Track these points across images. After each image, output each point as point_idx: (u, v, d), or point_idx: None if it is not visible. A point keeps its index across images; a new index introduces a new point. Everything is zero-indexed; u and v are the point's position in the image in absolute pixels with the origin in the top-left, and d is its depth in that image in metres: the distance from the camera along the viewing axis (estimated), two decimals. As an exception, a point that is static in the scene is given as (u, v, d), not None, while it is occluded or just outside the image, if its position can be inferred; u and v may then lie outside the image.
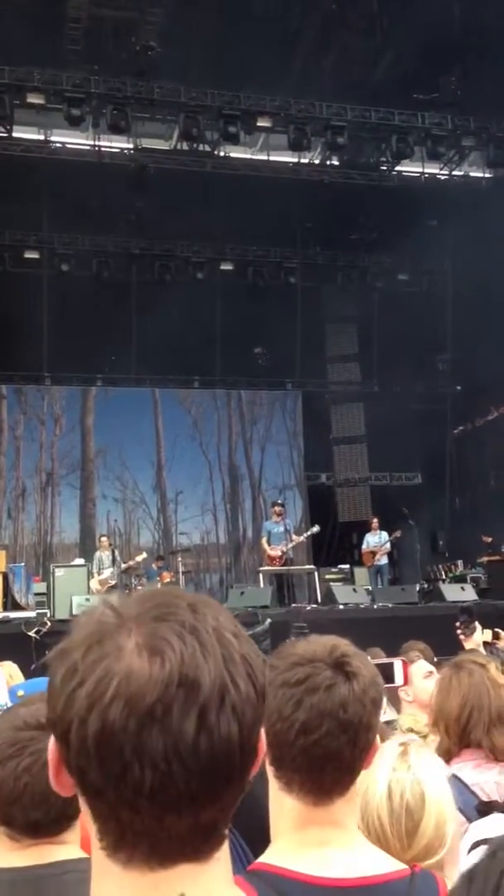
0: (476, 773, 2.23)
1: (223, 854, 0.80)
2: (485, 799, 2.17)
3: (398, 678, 2.04)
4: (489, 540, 14.66)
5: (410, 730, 3.15)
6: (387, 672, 2.06)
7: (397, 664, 2.07)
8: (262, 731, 0.81)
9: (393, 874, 1.27)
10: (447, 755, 2.34)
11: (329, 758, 1.29)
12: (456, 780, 2.26)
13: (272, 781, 1.33)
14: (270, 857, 1.30)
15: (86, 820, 0.79)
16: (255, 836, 1.43)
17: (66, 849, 1.56)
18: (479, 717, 2.29)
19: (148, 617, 0.77)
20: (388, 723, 3.64)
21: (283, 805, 1.31)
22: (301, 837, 1.29)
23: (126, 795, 0.73)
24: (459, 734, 2.31)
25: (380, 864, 1.29)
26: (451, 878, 1.49)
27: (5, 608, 10.18)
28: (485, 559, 14.22)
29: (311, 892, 1.22)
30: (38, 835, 1.54)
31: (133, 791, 0.73)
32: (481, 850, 0.62)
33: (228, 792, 0.77)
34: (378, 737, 1.38)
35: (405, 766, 1.57)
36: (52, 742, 0.78)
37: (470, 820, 2.09)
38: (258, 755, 0.80)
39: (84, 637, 0.77)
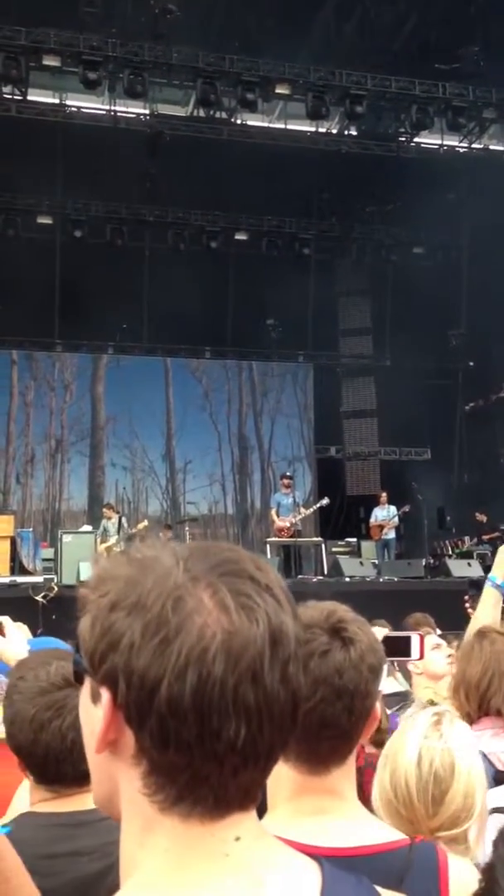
0: (493, 742, 2.25)
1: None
2: (500, 768, 2.18)
3: (415, 652, 2.05)
4: (483, 518, 14.70)
5: (431, 702, 3.18)
6: (403, 646, 2.07)
7: (414, 638, 2.08)
8: None
9: (391, 844, 1.26)
10: (467, 720, 2.37)
11: (324, 725, 1.26)
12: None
13: None
14: (266, 825, 1.28)
15: (123, 776, 0.79)
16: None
17: None
18: (499, 684, 2.32)
19: (218, 572, 0.78)
20: (398, 694, 3.67)
21: (279, 774, 1.28)
22: (297, 806, 1.27)
23: (217, 749, 0.74)
24: (479, 701, 2.33)
25: (378, 833, 1.28)
26: (476, 848, 1.50)
27: (13, 572, 10.26)
28: (485, 538, 14.28)
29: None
30: (84, 783, 1.59)
31: (226, 745, 0.74)
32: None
33: (287, 741, 0.80)
34: (378, 705, 1.36)
35: (437, 734, 1.57)
36: (107, 699, 0.77)
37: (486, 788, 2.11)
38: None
39: (159, 592, 0.76)
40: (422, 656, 2.25)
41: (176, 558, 0.79)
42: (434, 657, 3.49)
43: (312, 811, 1.27)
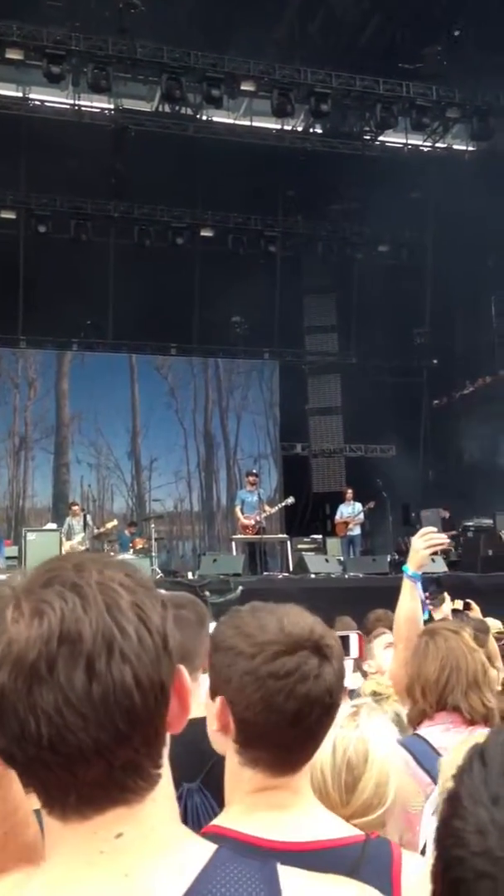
0: (444, 736, 2.28)
1: (160, 794, 0.83)
2: None
3: (353, 651, 2.08)
4: (446, 515, 14.84)
5: (374, 692, 3.20)
6: (343, 645, 2.11)
7: (353, 637, 2.11)
8: (180, 668, 0.85)
9: (345, 839, 1.26)
10: (421, 717, 2.39)
11: (312, 739, 1.29)
12: (423, 741, 2.30)
13: (232, 756, 1.30)
14: (222, 819, 1.29)
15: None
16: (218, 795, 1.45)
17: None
18: (457, 679, 2.35)
19: (36, 585, 0.80)
20: (352, 691, 3.70)
21: (241, 776, 1.30)
22: (255, 801, 1.28)
23: (30, 752, 0.77)
24: (437, 697, 2.36)
25: (333, 829, 1.28)
26: (392, 837, 1.51)
27: (-24, 571, 10.14)
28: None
29: (259, 856, 1.18)
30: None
31: (35, 746, 0.77)
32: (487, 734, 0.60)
33: (139, 733, 0.79)
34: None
35: (353, 724, 1.60)
36: None
37: (435, 782, 2.14)
38: (168, 692, 0.82)
39: None
40: (361, 655, 2.28)
41: (12, 582, 0.83)
42: (386, 656, 3.54)
43: (268, 806, 1.27)
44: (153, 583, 0.86)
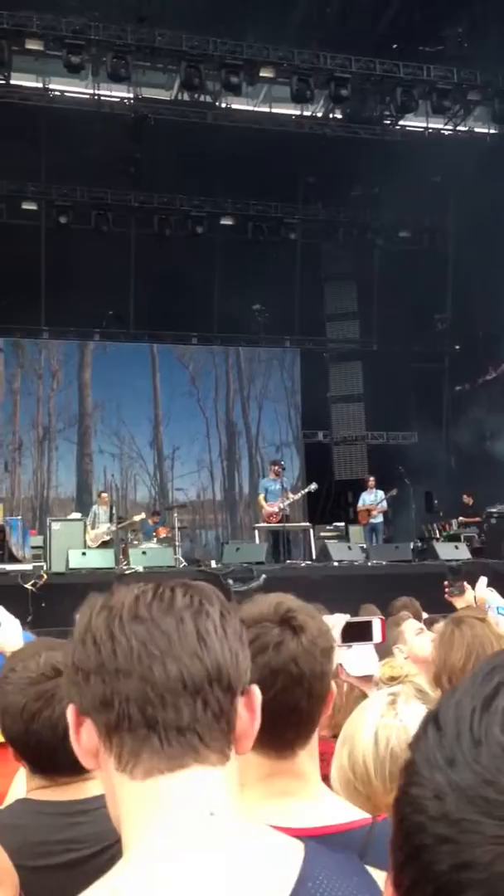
0: None
1: (230, 771, 0.91)
2: None
3: (377, 636, 2.09)
4: (470, 501, 14.79)
5: (391, 678, 3.22)
6: (365, 630, 2.13)
7: (376, 622, 2.12)
8: (251, 691, 0.93)
9: (354, 823, 1.29)
10: None
11: (287, 710, 1.31)
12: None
13: None
14: None
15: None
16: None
17: (97, 783, 1.64)
18: None
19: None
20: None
21: (248, 760, 1.30)
22: (265, 789, 1.31)
23: (118, 688, 0.87)
24: None
25: (341, 813, 1.32)
26: None
27: (2, 561, 10.25)
28: (461, 519, 14.41)
29: None
30: (78, 772, 1.61)
31: (124, 673, 0.87)
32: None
33: (202, 692, 0.88)
34: (333, 683, 1.41)
35: (392, 713, 1.62)
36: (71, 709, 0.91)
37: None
38: (231, 678, 0.90)
39: None
40: (384, 639, 2.28)
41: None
42: (418, 642, 3.55)
43: (279, 793, 1.31)
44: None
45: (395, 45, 14.42)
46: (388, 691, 1.69)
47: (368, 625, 2.13)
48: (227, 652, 0.88)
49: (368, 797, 1.52)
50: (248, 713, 0.90)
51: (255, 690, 0.91)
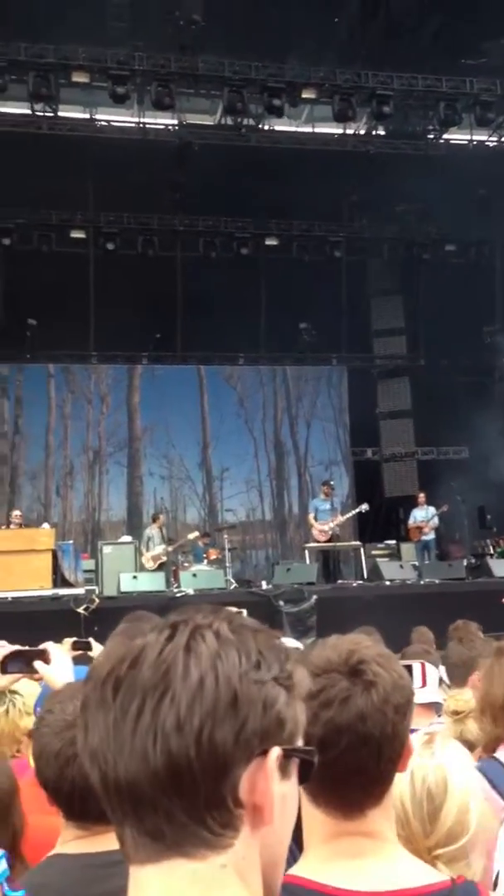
0: None
1: (231, 862, 0.79)
2: None
3: (417, 681, 2.02)
4: None
5: (455, 712, 3.14)
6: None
7: (416, 667, 2.05)
8: (262, 765, 0.79)
9: (431, 886, 1.21)
10: (496, 742, 2.34)
11: (352, 773, 1.22)
12: (499, 765, 2.26)
13: (302, 794, 1.25)
14: (301, 869, 1.24)
15: None
16: (294, 838, 1.45)
17: None
18: None
19: (163, 621, 0.86)
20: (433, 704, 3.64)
21: (314, 818, 1.26)
22: (333, 849, 1.24)
23: (86, 767, 0.83)
24: None
25: (417, 875, 1.23)
26: (477, 866, 1.49)
27: (55, 585, 10.35)
28: None
29: None
30: (108, 821, 1.59)
31: (90, 759, 0.81)
32: None
33: (175, 784, 0.76)
34: (410, 741, 1.31)
35: (429, 752, 1.57)
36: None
37: (511, 806, 2.10)
38: (223, 758, 0.76)
39: None
40: (424, 684, 2.22)
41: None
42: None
43: (348, 853, 1.23)
44: (276, 649, 0.83)
45: (436, 60, 14.35)
46: (425, 730, 1.65)
47: (408, 669, 2.09)
48: (201, 741, 0.75)
49: (408, 839, 1.47)
50: (262, 783, 0.78)
51: (272, 757, 0.79)
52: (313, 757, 0.85)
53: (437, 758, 1.56)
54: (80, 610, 9.24)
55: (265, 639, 0.83)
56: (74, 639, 3.03)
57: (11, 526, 12.11)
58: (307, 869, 1.24)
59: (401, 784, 1.49)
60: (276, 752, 0.79)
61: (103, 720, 0.78)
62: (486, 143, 16.32)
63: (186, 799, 0.76)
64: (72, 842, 1.65)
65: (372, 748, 1.22)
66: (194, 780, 0.76)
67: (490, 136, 16.21)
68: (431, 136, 16.00)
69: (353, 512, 13.74)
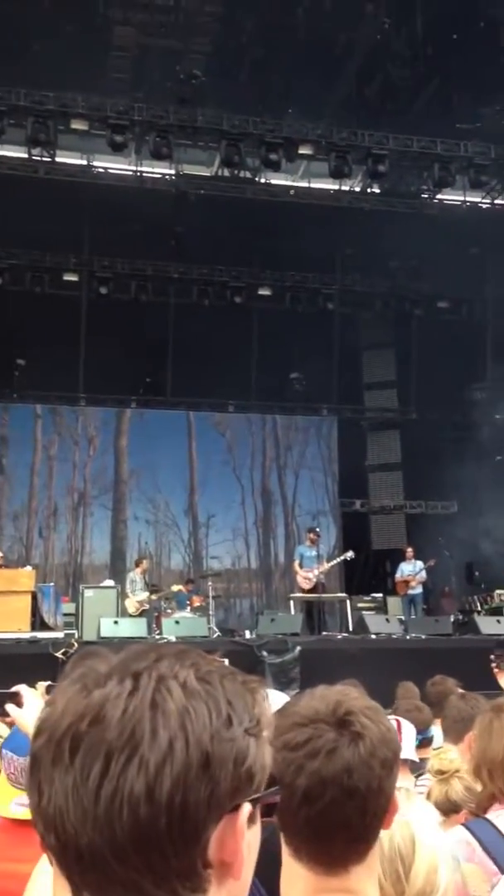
0: None
1: None
2: None
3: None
4: None
5: (440, 771, 3.03)
6: None
7: (391, 723, 1.95)
8: (233, 821, 0.73)
9: None
10: (490, 801, 2.23)
11: (336, 827, 1.17)
12: (491, 826, 2.13)
13: (283, 846, 1.22)
14: None
15: None
16: (272, 892, 1.33)
17: None
18: None
19: (118, 665, 0.75)
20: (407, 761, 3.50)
21: (294, 872, 1.21)
22: None
23: (40, 830, 0.71)
24: None
25: None
26: None
27: (34, 628, 10.15)
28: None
29: None
30: None
31: (44, 825, 0.71)
32: None
33: (140, 854, 0.68)
34: (397, 795, 1.25)
35: None
36: None
37: (503, 871, 1.97)
38: (194, 823, 0.70)
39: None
40: (400, 740, 2.11)
41: (115, 659, 0.77)
42: None
43: None
44: (243, 695, 0.77)
45: (432, 123, 14.69)
46: (403, 787, 1.54)
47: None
48: (172, 808, 0.69)
49: None
50: (232, 842, 0.73)
51: (243, 815, 0.73)
52: (278, 795, 0.80)
53: (401, 815, 1.47)
54: (59, 654, 9.02)
55: (232, 685, 0.76)
56: (48, 683, 2.90)
57: (-8, 566, 11.86)
58: None
59: None
60: (246, 808, 0.74)
61: (60, 783, 0.70)
62: (480, 205, 16.64)
63: (156, 870, 0.69)
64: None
65: (357, 802, 1.18)
66: (164, 851, 0.69)
67: (483, 197, 16.52)
68: (426, 196, 16.30)
69: (339, 559, 13.60)
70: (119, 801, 0.67)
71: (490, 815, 2.18)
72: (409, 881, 1.41)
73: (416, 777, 3.62)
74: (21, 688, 2.21)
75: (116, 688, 0.71)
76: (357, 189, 16.41)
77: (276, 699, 1.89)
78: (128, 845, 0.68)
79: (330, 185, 15.95)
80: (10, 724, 2.34)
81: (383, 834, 1.40)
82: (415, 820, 1.47)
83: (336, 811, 1.16)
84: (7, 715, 2.15)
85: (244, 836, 0.74)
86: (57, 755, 0.70)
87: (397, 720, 2.12)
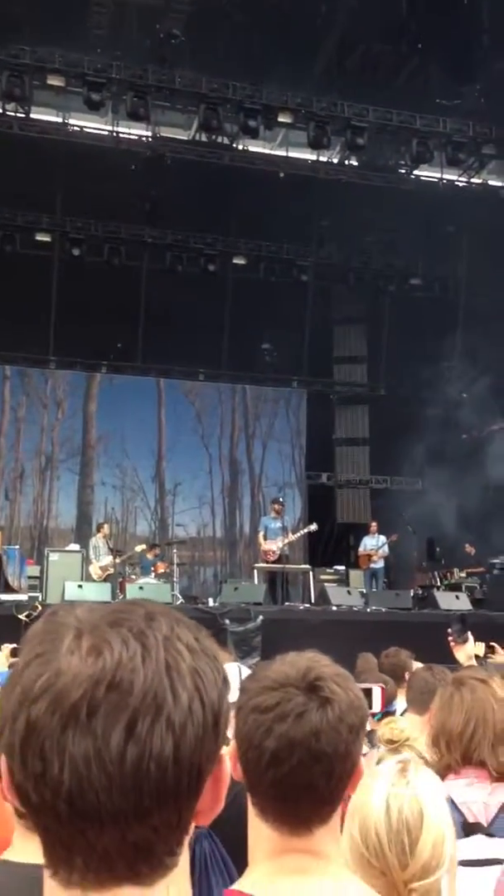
0: (467, 792, 2.18)
1: (172, 882, 0.74)
2: (470, 819, 2.12)
3: (375, 705, 1.97)
4: (472, 551, 14.66)
5: (390, 741, 3.10)
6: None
7: (375, 691, 2.00)
8: (223, 754, 0.77)
9: None
10: (447, 771, 2.29)
11: (302, 789, 1.20)
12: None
13: (250, 806, 1.26)
14: (245, 884, 1.22)
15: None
16: (237, 850, 1.37)
17: None
18: (483, 733, 2.24)
19: (102, 622, 0.74)
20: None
21: (260, 832, 1.24)
22: (277, 866, 1.21)
23: (46, 798, 0.70)
24: (463, 751, 2.25)
25: (357, 895, 1.21)
26: None
27: (-3, 590, 10.12)
28: (465, 571, 14.27)
29: None
30: None
31: (52, 792, 0.69)
32: None
33: (161, 812, 0.71)
34: (363, 760, 1.30)
35: (404, 782, 1.50)
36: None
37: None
38: (203, 777, 0.74)
39: (37, 639, 0.74)
40: (382, 708, 2.18)
41: (77, 612, 0.76)
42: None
43: (292, 871, 1.20)
44: (217, 651, 0.79)
45: (412, 98, 14.62)
46: (398, 758, 1.57)
47: (368, 693, 2.02)
48: (192, 766, 0.72)
49: (383, 871, 1.40)
50: (213, 789, 0.77)
51: (225, 761, 0.78)
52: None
53: (412, 787, 1.49)
54: (22, 616, 9.02)
55: (209, 642, 0.79)
56: (14, 645, 2.92)
57: (-45, 528, 11.80)
58: (251, 884, 1.22)
59: (375, 814, 1.45)
60: (227, 758, 0.79)
61: (77, 749, 0.69)
62: (456, 183, 16.63)
63: (170, 826, 0.73)
64: (22, 846, 1.45)
65: (324, 766, 1.21)
66: (180, 807, 0.73)
67: (460, 175, 16.52)
68: (403, 171, 16.25)
69: (303, 531, 13.71)
70: (146, 763, 0.69)
71: (445, 785, 2.26)
72: (414, 854, 1.43)
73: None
74: None
75: (123, 651, 0.72)
76: (335, 161, 16.31)
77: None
78: (152, 805, 0.70)
79: (308, 156, 15.83)
80: None
81: (391, 806, 1.43)
82: (424, 794, 1.48)
83: (303, 773, 1.19)
84: None
85: (227, 781, 0.78)
86: (70, 721, 0.69)
87: (381, 688, 2.17)
